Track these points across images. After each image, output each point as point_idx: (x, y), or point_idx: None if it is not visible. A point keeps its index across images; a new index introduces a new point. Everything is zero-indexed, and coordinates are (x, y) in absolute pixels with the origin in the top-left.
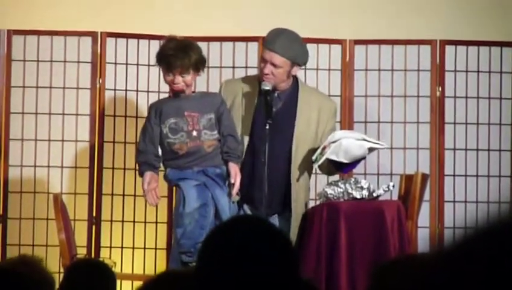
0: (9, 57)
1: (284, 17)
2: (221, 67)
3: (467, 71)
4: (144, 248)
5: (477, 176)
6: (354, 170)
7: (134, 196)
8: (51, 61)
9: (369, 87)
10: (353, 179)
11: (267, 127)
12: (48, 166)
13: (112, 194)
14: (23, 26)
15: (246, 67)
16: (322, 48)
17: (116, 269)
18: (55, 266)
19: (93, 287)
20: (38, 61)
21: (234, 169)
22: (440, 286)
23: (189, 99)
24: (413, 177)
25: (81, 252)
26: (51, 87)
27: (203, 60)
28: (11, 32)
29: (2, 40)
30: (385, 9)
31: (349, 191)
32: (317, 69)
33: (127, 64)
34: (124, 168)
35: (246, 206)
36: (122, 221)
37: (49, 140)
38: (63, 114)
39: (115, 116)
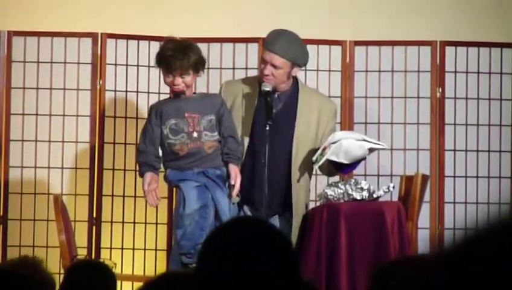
0: (10, 58)
1: (284, 18)
2: (221, 68)
3: (467, 72)
4: (144, 249)
5: (477, 177)
6: (354, 171)
7: (135, 197)
8: (51, 62)
9: (369, 88)
10: (353, 180)
11: (267, 128)
12: (48, 167)
13: (112, 195)
14: (23, 27)
15: (246, 68)
16: (322, 49)
17: (117, 270)
18: (55, 267)
19: (94, 288)
20: (38, 62)
21: (234, 170)
22: (440, 287)
23: (189, 101)
24: (414, 178)
25: (82, 253)
26: (51, 89)
27: (203, 61)
28: (12, 34)
29: (2, 41)
30: (385, 10)
31: (350, 192)
32: (317, 70)
33: (127, 65)
34: (124, 169)
35: (246, 208)
36: (123, 222)
37: (50, 141)
38: (63, 115)
39: (115, 117)
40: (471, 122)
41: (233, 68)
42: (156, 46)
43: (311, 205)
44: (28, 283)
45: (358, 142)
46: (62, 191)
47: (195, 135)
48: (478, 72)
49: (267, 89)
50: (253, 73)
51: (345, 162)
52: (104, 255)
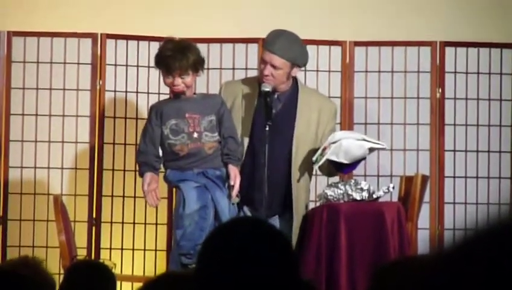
0: (10, 58)
1: (284, 19)
2: (221, 68)
3: (467, 73)
4: (144, 250)
5: (477, 177)
6: (354, 172)
7: (134, 197)
8: (51, 62)
9: (369, 88)
10: (353, 181)
11: (267, 128)
12: (48, 167)
13: (112, 196)
14: (23, 27)
15: (246, 68)
16: (322, 50)
17: (116, 271)
18: (55, 267)
19: (93, 289)
20: (38, 62)
21: (234, 171)
22: (440, 288)
23: (190, 101)
24: (413, 179)
25: (81, 253)
26: (51, 89)
27: (202, 61)
28: (11, 34)
29: (2, 42)
30: (385, 11)
31: (349, 192)
32: (317, 70)
33: (127, 65)
34: (124, 170)
35: (245, 208)
36: (122, 222)
37: (49, 141)
38: (63, 115)
39: (115, 117)
40: (471, 122)
41: (233, 68)
42: (155, 47)
43: (311, 206)
44: (28, 284)
45: (358, 142)
46: (62, 192)
47: (195, 135)
48: (478, 73)
49: (267, 89)
50: (253, 73)
51: (345, 162)
52: (104, 255)
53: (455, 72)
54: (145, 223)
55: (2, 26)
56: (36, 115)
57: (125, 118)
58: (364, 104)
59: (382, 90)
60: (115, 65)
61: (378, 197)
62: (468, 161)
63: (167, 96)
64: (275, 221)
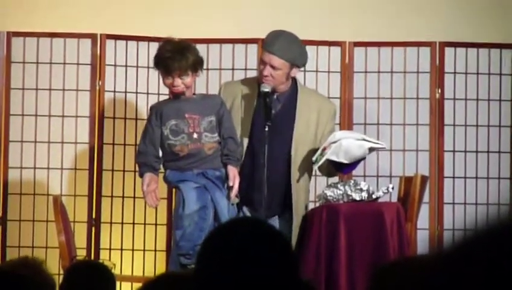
0: (9, 58)
1: (284, 19)
2: (220, 69)
3: (466, 73)
4: (144, 250)
5: (476, 178)
6: (354, 172)
7: (134, 197)
8: (51, 63)
9: (369, 89)
10: (352, 181)
11: (266, 129)
12: (48, 168)
13: (112, 196)
14: (22, 28)
15: (246, 69)
16: (321, 50)
17: (116, 271)
18: (55, 267)
19: (93, 289)
20: (37, 63)
21: (233, 172)
22: (439, 288)
23: (189, 102)
24: (413, 179)
25: (81, 254)
26: (50, 89)
27: (201, 61)
28: (11, 34)
29: (1, 42)
30: (384, 11)
31: (349, 193)
32: (316, 71)
33: (126, 66)
34: (124, 170)
35: (245, 209)
36: (122, 223)
37: (49, 142)
38: (63, 116)
39: (114, 118)
40: (470, 123)
41: (233, 69)
42: (155, 47)
43: (311, 206)
44: (28, 284)
45: (358, 142)
46: (61, 192)
47: (195, 136)
48: (477, 73)
49: (266, 90)
50: (252, 74)
51: (345, 161)
52: (104, 256)
53: (454, 73)
54: (144, 224)
55: (2, 26)
56: (36, 115)
57: (125, 118)
58: (363, 105)
59: (381, 90)
60: (115, 65)
61: (377, 198)
62: (467, 162)
63: (167, 97)
64: (275, 221)
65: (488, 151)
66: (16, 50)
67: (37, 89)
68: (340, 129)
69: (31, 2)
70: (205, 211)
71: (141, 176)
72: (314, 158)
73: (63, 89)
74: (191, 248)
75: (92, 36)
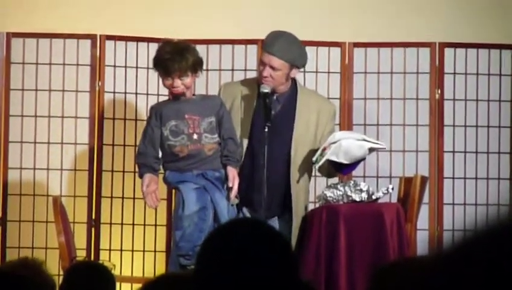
0: (9, 59)
1: (283, 20)
2: (220, 70)
3: (466, 74)
4: (143, 251)
5: (476, 178)
6: (353, 173)
7: (134, 198)
8: (50, 64)
9: (368, 89)
10: (352, 182)
11: (266, 129)
12: (47, 169)
13: (111, 197)
14: (22, 28)
15: (245, 70)
16: (321, 51)
17: (116, 272)
18: (54, 268)
19: None
20: (37, 64)
21: (232, 173)
22: (439, 289)
23: (189, 102)
24: (413, 180)
25: (81, 254)
26: (50, 90)
27: (200, 61)
28: (10, 35)
29: (1, 43)
30: (384, 12)
31: (349, 193)
32: (316, 71)
33: (126, 67)
34: (123, 171)
35: (245, 209)
36: (122, 223)
37: (49, 143)
38: (62, 117)
39: (114, 118)
40: (470, 123)
41: (232, 70)
42: (154, 48)
43: (311, 207)
44: (28, 285)
45: (358, 142)
46: (61, 193)
47: (195, 136)
48: (477, 74)
49: (266, 90)
50: (252, 75)
51: (345, 162)
52: (103, 256)
53: (454, 73)
54: (144, 225)
55: (1, 27)
56: (35, 116)
57: (125, 119)
58: (363, 105)
59: (381, 91)
60: (114, 66)
61: (377, 198)
62: (467, 162)
63: (166, 98)
64: (274, 222)
65: (487, 152)
66: (16, 51)
67: (36, 90)
68: (340, 130)
69: (31, 2)
70: (205, 212)
71: (141, 176)
72: (314, 158)
73: (63, 90)
74: (191, 248)
75: (92, 37)
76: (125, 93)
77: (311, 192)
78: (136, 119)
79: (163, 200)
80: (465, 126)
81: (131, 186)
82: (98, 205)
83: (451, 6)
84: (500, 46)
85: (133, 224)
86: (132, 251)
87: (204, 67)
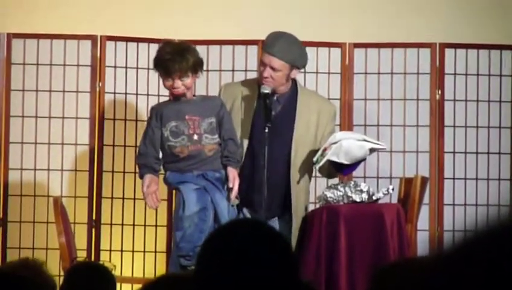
0: (9, 60)
1: (284, 21)
2: (220, 70)
3: (466, 74)
4: (144, 251)
5: (476, 179)
6: (354, 173)
7: (134, 199)
8: (51, 64)
9: (369, 90)
10: (353, 183)
11: (266, 130)
12: (48, 169)
13: (112, 198)
14: (22, 29)
15: (246, 70)
16: (321, 51)
17: (116, 272)
18: (55, 269)
19: None
20: (38, 64)
21: (233, 173)
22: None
23: (190, 103)
24: (413, 181)
25: (81, 255)
26: (50, 91)
27: (201, 62)
28: (11, 36)
29: (1, 44)
30: (384, 12)
31: (349, 194)
32: (316, 72)
33: (126, 67)
34: (124, 172)
35: (245, 210)
36: (122, 224)
37: (49, 143)
38: (63, 117)
39: (114, 119)
40: (470, 124)
41: (233, 70)
42: (155, 49)
43: (311, 207)
44: (29, 285)
45: (359, 143)
46: (62, 193)
47: (195, 137)
48: (477, 74)
49: (266, 91)
50: (252, 75)
51: (346, 162)
52: (104, 257)
53: (455, 74)
54: (144, 225)
55: (2, 28)
56: (36, 117)
57: (125, 119)
58: (363, 106)
59: (381, 91)
60: (115, 67)
61: (377, 199)
62: (467, 163)
63: (167, 98)
64: (275, 223)
65: (488, 153)
66: (16, 51)
67: (37, 91)
68: (340, 130)
69: (31, 3)
70: (205, 212)
71: (141, 177)
72: (315, 159)
73: (63, 91)
74: (191, 249)
75: (92, 38)
76: (126, 94)
77: (311, 193)
78: (136, 120)
79: (163, 201)
80: (466, 127)
81: (132, 186)
82: (98, 205)
83: (451, 6)
84: (500, 47)
85: (134, 225)
86: (132, 251)
87: (204, 67)
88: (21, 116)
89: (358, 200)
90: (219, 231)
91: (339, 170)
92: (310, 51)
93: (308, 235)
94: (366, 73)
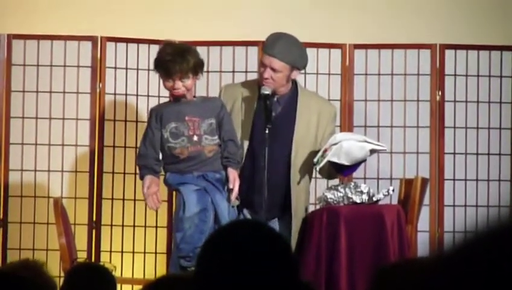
0: (9, 61)
1: (284, 22)
2: (221, 71)
3: (466, 75)
4: (144, 252)
5: (477, 180)
6: (354, 174)
7: (134, 200)
8: (51, 65)
9: (369, 91)
10: (353, 184)
11: (267, 131)
12: (48, 170)
13: (112, 199)
14: (23, 30)
15: (246, 71)
16: (321, 52)
17: (116, 273)
18: (55, 270)
19: None
20: (38, 65)
21: (233, 174)
22: None
23: (190, 104)
24: (413, 182)
25: (82, 256)
26: (51, 92)
27: (202, 63)
28: (11, 37)
29: (2, 45)
30: (385, 13)
31: (349, 195)
32: (317, 73)
33: (126, 68)
34: (124, 173)
35: (245, 211)
36: (122, 225)
37: (49, 144)
38: (63, 118)
39: (114, 120)
40: (470, 125)
41: (233, 72)
42: (155, 50)
43: (311, 208)
44: (29, 286)
45: (360, 144)
46: (62, 195)
47: (195, 138)
48: (478, 75)
49: (267, 92)
50: (252, 76)
51: (346, 163)
52: (104, 258)
53: (455, 75)
54: (145, 226)
55: (2, 29)
56: (36, 118)
57: (125, 120)
58: (364, 107)
59: (382, 93)
60: (115, 68)
61: (378, 200)
62: (468, 164)
63: (167, 99)
64: (275, 224)
65: (488, 154)
66: (17, 52)
67: (37, 92)
68: (341, 131)
69: (32, 4)
70: (205, 213)
71: (142, 178)
72: (315, 160)
73: (64, 92)
74: (191, 250)
75: (93, 38)
76: (126, 94)
77: (311, 194)
78: (136, 121)
79: (163, 202)
80: (466, 128)
81: (132, 187)
82: (98, 206)
83: (451, 7)
84: (500, 48)
85: (134, 226)
86: (133, 252)
87: (204, 68)
88: (21, 117)
89: (358, 201)
90: (219, 232)
91: (339, 171)
92: (310, 52)
93: (308, 236)
94: (366, 74)
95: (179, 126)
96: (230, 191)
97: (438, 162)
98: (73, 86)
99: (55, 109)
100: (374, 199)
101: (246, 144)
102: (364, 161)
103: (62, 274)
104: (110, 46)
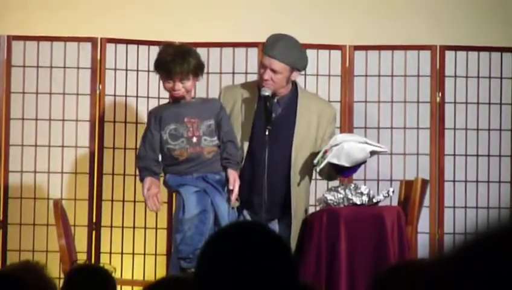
0: (9, 62)
1: (284, 23)
2: (220, 73)
3: (467, 77)
4: (144, 254)
5: (477, 181)
6: (354, 176)
7: (134, 201)
8: (51, 67)
9: (369, 92)
10: (353, 185)
11: (267, 132)
12: (48, 172)
13: (112, 200)
14: (23, 32)
15: (246, 73)
16: (321, 54)
17: (116, 275)
18: (55, 271)
19: None
20: (38, 67)
21: (233, 175)
22: None
23: (189, 106)
24: (413, 183)
25: (81, 257)
26: (50, 93)
27: (202, 65)
28: (11, 38)
29: (1, 46)
30: (384, 14)
31: (349, 196)
32: (317, 74)
33: (126, 70)
34: (124, 174)
35: (245, 212)
36: (122, 227)
37: (49, 146)
38: (63, 120)
39: (114, 122)
40: (471, 126)
41: (233, 73)
42: (155, 51)
43: (311, 210)
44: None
45: (360, 145)
46: (62, 196)
47: (194, 140)
48: (478, 77)
49: (267, 93)
50: (252, 78)
51: (346, 165)
52: (104, 259)
53: (455, 76)
54: (145, 228)
55: (2, 30)
56: (36, 119)
57: (125, 122)
58: (364, 108)
59: (382, 94)
60: (115, 69)
61: (378, 202)
62: (468, 165)
63: (167, 101)
64: (275, 225)
65: (488, 155)
66: (16, 54)
67: (37, 93)
68: (341, 133)
69: (32, 5)
70: (205, 214)
71: (142, 180)
72: (315, 161)
73: (63, 93)
74: (191, 251)
75: (92, 40)
76: (126, 96)
77: (311, 195)
78: (136, 122)
79: (163, 204)
80: (466, 129)
81: (132, 189)
82: (98, 208)
83: (451, 9)
84: (501, 49)
85: (134, 227)
86: (133, 254)
87: (204, 70)
88: (21, 119)
89: (358, 202)
90: (219, 234)
91: (340, 173)
92: (310, 53)
93: (308, 237)
94: (366, 75)
95: (178, 128)
96: (230, 192)
97: (438, 164)
98: (73, 87)
99: (55, 110)
100: (374, 200)
101: (246, 145)
102: (364, 162)
103: (62, 276)
104: (110, 47)
